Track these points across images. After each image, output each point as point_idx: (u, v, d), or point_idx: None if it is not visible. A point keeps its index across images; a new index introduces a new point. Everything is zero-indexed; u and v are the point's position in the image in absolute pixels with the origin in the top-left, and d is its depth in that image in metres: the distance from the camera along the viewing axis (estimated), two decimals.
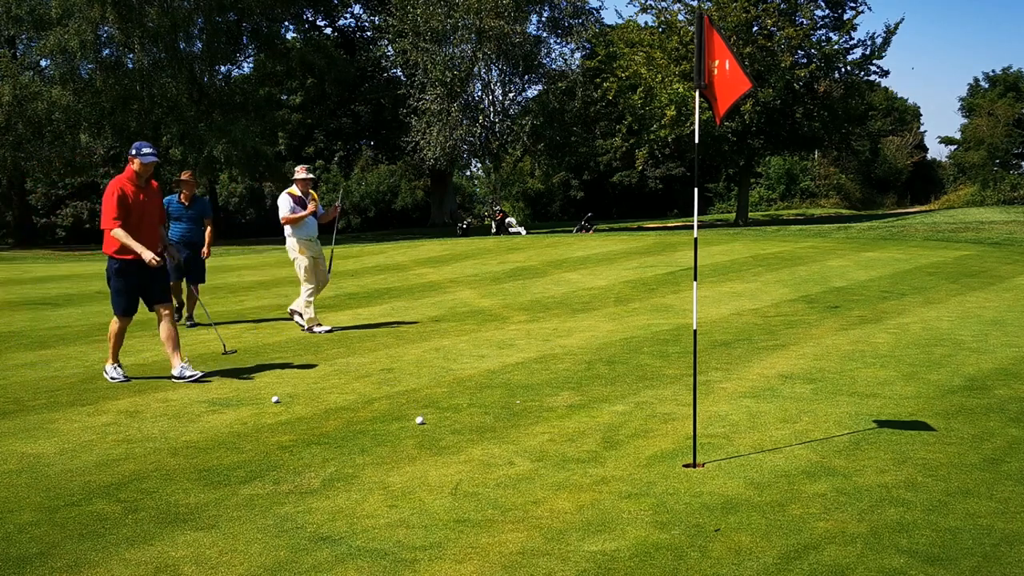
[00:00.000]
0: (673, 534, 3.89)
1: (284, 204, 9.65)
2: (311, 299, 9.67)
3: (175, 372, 7.17)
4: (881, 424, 5.42)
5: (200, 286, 10.58)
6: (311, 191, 9.78)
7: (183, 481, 4.73)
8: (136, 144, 7.08)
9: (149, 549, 3.86)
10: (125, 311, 7.15)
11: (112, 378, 7.23)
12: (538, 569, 3.59)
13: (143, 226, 6.99)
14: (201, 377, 7.16)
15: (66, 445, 5.42)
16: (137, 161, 6.97)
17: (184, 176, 10.33)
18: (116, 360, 7.29)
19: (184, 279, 10.44)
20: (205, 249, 10.46)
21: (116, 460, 5.11)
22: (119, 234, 6.85)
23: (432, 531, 4.00)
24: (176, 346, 7.22)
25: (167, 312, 7.26)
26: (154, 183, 7.24)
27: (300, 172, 9.79)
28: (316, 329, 9.59)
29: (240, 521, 4.16)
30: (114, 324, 7.19)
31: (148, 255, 6.79)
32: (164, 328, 7.21)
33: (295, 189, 9.74)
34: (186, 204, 10.27)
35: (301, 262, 9.66)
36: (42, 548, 3.88)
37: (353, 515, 4.21)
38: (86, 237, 44.56)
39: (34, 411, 6.28)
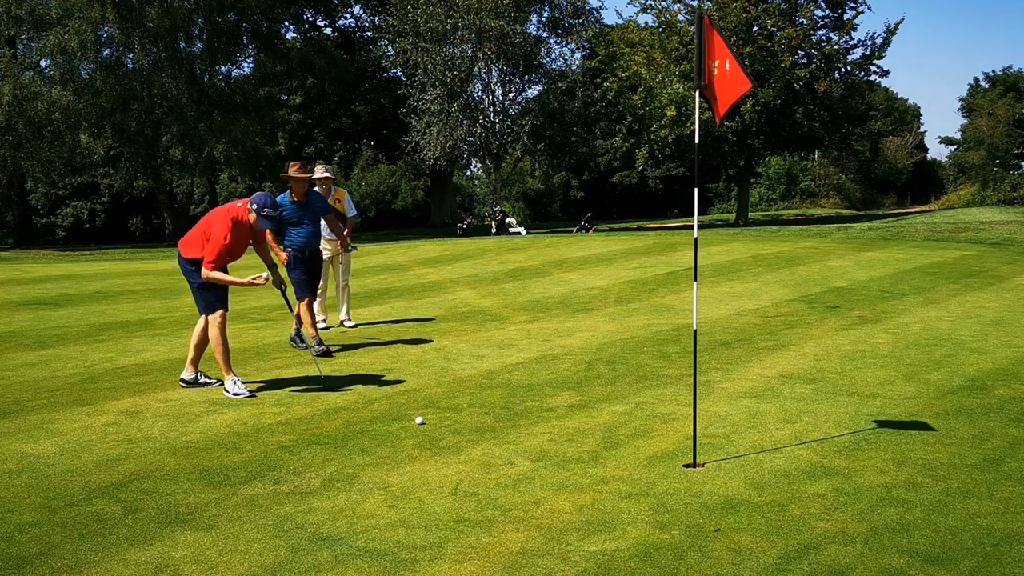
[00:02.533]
0: (673, 534, 3.89)
1: None
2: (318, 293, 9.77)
3: (189, 377, 7.08)
4: (881, 424, 5.42)
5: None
6: (337, 188, 9.85)
7: (183, 481, 4.73)
8: (260, 200, 6.62)
9: (149, 549, 3.86)
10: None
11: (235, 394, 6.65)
12: (538, 569, 3.59)
13: (237, 251, 6.84)
14: (212, 384, 7.08)
15: (66, 445, 5.42)
16: (253, 217, 6.62)
17: (292, 170, 8.37)
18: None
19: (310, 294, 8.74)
20: (341, 243, 9.47)
21: (116, 460, 5.11)
22: (215, 272, 6.59)
23: (432, 531, 4.00)
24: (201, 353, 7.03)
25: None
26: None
27: (317, 171, 9.73)
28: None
29: (240, 521, 4.16)
30: (214, 328, 6.70)
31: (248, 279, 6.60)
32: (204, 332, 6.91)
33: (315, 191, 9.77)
34: (304, 202, 8.47)
35: None
36: (42, 548, 3.88)
37: (353, 515, 4.21)
38: (86, 237, 44.62)
39: (34, 411, 6.28)
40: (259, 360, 8.07)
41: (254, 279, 6.54)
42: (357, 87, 39.27)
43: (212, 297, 6.70)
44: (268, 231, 7.60)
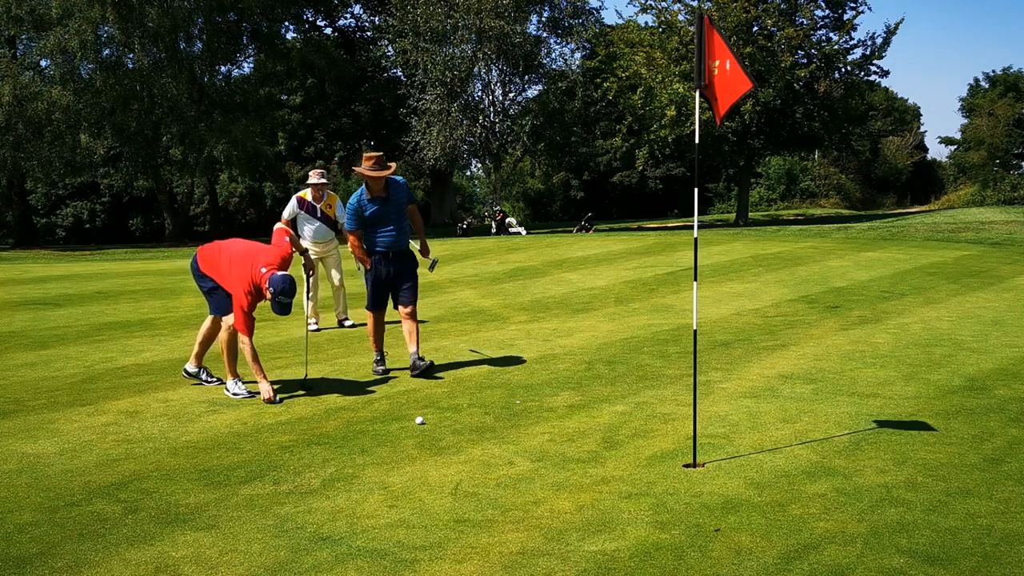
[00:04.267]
0: (673, 534, 3.89)
1: (288, 208, 9.80)
2: (310, 294, 9.74)
3: (191, 369, 7.14)
4: (881, 424, 5.42)
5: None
6: (329, 192, 9.89)
7: (183, 481, 4.73)
8: (278, 285, 6.22)
9: (149, 549, 3.86)
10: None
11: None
12: (538, 569, 3.59)
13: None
14: (212, 383, 7.08)
15: (66, 445, 5.42)
16: (268, 293, 6.28)
17: (366, 166, 7.01)
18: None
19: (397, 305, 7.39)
20: (420, 247, 7.66)
21: (116, 460, 5.11)
22: (245, 346, 6.48)
23: (432, 531, 4.00)
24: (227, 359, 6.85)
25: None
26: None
27: (313, 177, 9.82)
28: (310, 326, 9.68)
29: (240, 521, 4.16)
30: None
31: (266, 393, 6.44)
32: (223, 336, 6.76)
33: (307, 193, 9.83)
34: (384, 196, 7.11)
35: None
36: (42, 548, 3.88)
37: (353, 515, 4.21)
38: (86, 237, 44.59)
39: (34, 411, 6.28)
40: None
41: (266, 395, 6.37)
42: (357, 87, 39.27)
43: (224, 301, 6.66)
44: (351, 233, 7.22)
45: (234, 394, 6.60)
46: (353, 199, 7.22)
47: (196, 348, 7.04)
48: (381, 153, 7.15)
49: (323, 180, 9.82)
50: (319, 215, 9.82)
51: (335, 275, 9.95)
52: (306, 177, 10.30)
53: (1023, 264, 13.51)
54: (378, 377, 7.21)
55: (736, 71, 4.70)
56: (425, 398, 6.45)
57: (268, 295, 6.30)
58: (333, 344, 8.88)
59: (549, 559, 3.68)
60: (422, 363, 7.14)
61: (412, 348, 7.23)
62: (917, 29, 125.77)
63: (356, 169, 7.21)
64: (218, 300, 6.73)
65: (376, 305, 7.35)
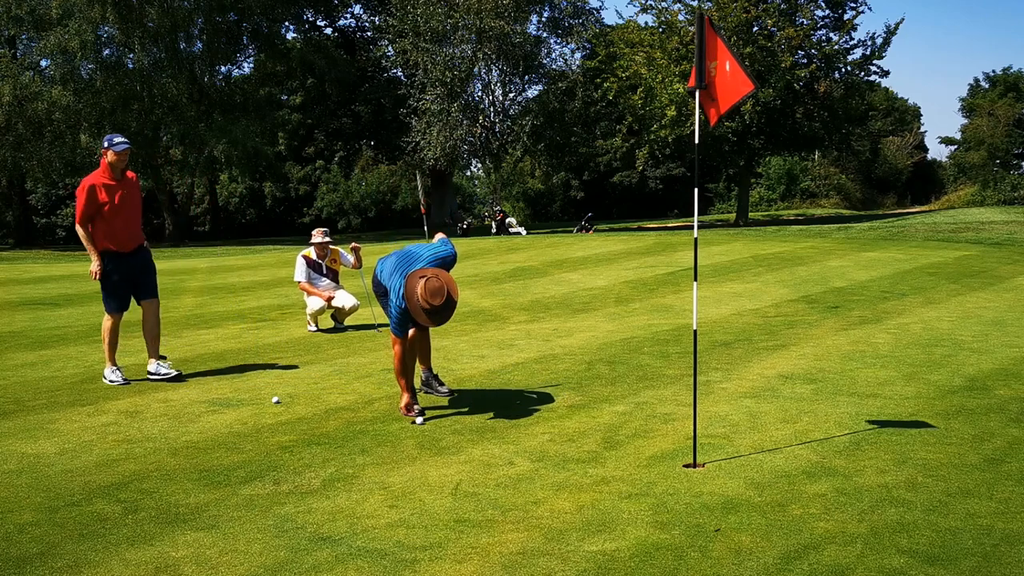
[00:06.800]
0: (673, 534, 3.89)
1: (299, 269, 9.80)
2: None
3: (150, 368, 7.26)
4: (881, 424, 5.42)
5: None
6: (331, 248, 9.90)
7: (183, 481, 4.73)
8: (107, 136, 6.98)
9: (149, 549, 3.86)
10: (116, 308, 7.19)
11: (111, 381, 7.12)
12: (538, 569, 3.59)
13: (119, 220, 6.96)
14: (177, 376, 7.20)
15: (66, 445, 5.42)
16: (111, 152, 6.88)
17: (426, 304, 5.58)
18: (114, 362, 7.18)
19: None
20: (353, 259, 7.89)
21: (116, 460, 5.12)
22: (79, 233, 6.99)
23: (432, 531, 4.00)
24: (156, 343, 7.31)
25: (153, 308, 7.30)
26: (131, 174, 7.11)
27: (316, 236, 9.82)
28: (309, 327, 9.72)
29: (240, 521, 4.16)
30: (106, 322, 7.17)
31: (94, 265, 6.96)
32: (148, 323, 7.27)
33: (311, 252, 9.82)
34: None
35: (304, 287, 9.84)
36: (42, 548, 3.89)
37: (353, 515, 4.21)
38: None
39: (34, 411, 6.29)
40: (259, 360, 8.07)
41: (93, 267, 7.01)
42: (357, 87, 39.29)
43: (105, 300, 7.17)
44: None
45: (110, 381, 7.02)
46: (398, 302, 5.91)
47: (148, 346, 7.32)
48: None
49: (326, 239, 9.82)
50: (324, 271, 9.87)
51: (348, 301, 9.74)
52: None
53: (1023, 264, 13.51)
54: (378, 377, 7.20)
55: (737, 72, 4.70)
56: (425, 398, 6.45)
57: (109, 154, 6.82)
58: (333, 344, 8.88)
59: (549, 559, 3.68)
60: (441, 388, 6.48)
61: (422, 366, 6.57)
62: (917, 29, 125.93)
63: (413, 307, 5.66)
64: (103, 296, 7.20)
65: (402, 329, 6.06)
